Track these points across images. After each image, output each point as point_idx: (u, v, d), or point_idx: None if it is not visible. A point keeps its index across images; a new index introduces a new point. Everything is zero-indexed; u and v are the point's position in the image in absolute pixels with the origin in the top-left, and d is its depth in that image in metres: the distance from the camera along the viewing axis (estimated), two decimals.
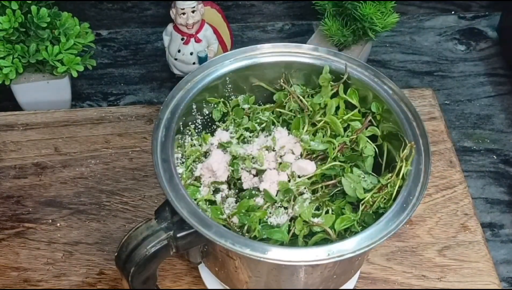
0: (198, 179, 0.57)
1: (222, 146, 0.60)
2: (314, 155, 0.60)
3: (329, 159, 0.59)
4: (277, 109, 0.63)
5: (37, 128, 0.83)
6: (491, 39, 1.10)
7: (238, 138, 0.61)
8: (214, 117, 0.64)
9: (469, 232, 0.75)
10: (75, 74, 0.86)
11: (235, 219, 0.55)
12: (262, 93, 0.65)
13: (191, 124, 0.62)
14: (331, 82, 0.62)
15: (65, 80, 0.89)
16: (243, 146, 0.59)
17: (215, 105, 0.63)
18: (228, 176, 0.58)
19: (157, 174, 0.53)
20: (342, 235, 0.55)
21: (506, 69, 1.05)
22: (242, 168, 0.57)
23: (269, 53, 0.63)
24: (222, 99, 0.64)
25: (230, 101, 0.64)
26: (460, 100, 1.00)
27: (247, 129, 0.62)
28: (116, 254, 0.53)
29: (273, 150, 0.58)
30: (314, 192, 0.58)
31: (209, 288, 0.67)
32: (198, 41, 0.90)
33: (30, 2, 0.81)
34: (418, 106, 0.86)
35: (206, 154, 0.60)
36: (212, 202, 0.57)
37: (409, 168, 0.55)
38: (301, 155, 0.59)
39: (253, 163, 0.57)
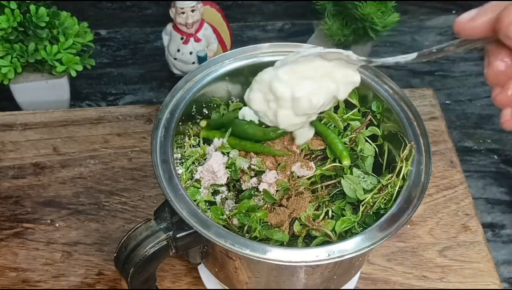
0: (198, 181, 0.57)
1: (222, 148, 0.59)
2: (314, 155, 0.60)
3: (328, 160, 0.59)
4: None
5: (36, 128, 0.83)
6: None
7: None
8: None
9: (470, 232, 0.74)
10: (74, 74, 0.86)
11: (235, 221, 0.54)
12: None
13: (191, 124, 0.62)
14: None
15: (64, 80, 0.89)
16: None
17: (215, 106, 0.63)
18: (227, 178, 0.58)
19: (157, 175, 0.53)
20: (343, 236, 0.54)
21: None
22: (241, 170, 0.57)
23: (269, 52, 0.63)
24: (222, 102, 0.63)
25: (230, 103, 0.64)
26: (461, 100, 1.00)
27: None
28: (115, 254, 0.52)
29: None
30: (314, 192, 0.57)
31: (208, 288, 0.67)
32: (197, 40, 0.90)
33: (29, 1, 0.81)
34: (418, 106, 0.86)
35: (205, 156, 0.60)
36: (212, 203, 0.56)
37: (409, 168, 0.54)
38: (300, 155, 0.59)
39: (253, 166, 0.57)
